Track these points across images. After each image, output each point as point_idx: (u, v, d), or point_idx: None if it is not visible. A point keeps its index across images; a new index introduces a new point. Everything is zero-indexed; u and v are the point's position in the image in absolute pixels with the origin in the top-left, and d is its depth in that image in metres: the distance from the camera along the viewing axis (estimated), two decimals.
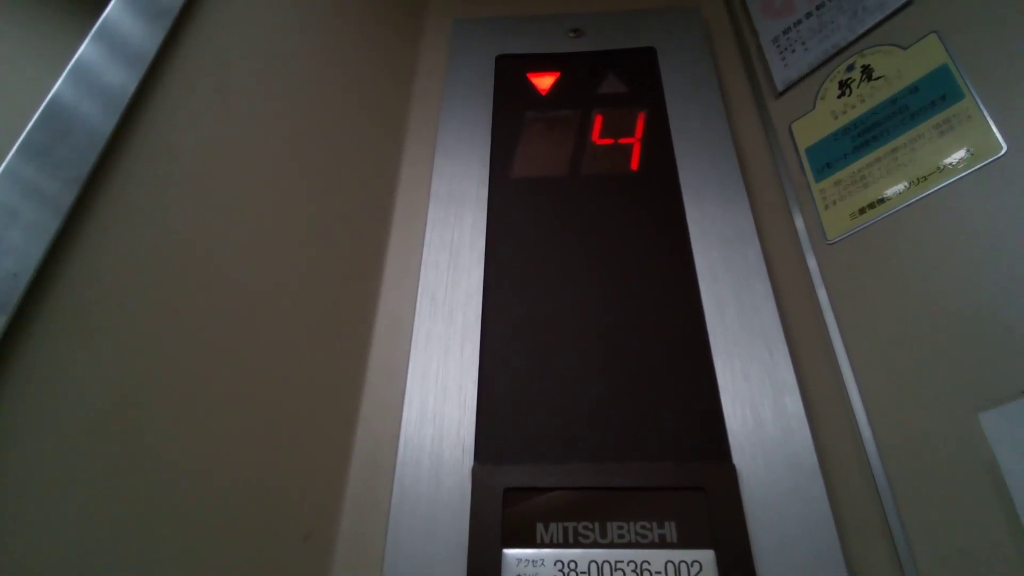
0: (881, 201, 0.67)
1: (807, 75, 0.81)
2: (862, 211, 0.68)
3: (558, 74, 0.91)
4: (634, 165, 0.80)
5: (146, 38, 0.62)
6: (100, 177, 0.54)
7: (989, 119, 0.61)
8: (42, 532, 0.41)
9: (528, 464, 0.59)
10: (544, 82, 0.91)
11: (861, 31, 0.77)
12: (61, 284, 0.48)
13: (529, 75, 0.92)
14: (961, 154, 0.62)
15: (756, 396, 0.61)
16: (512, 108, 0.88)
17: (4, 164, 0.49)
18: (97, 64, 0.58)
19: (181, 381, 0.52)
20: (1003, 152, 0.59)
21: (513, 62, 0.93)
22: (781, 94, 0.84)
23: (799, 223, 0.74)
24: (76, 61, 0.57)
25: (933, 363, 0.58)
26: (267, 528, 0.55)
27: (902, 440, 0.58)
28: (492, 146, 0.84)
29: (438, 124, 0.87)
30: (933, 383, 0.58)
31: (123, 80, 0.59)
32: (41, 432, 0.43)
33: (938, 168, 0.64)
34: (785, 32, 0.86)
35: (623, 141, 0.83)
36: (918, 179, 0.65)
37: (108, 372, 0.48)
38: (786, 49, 0.85)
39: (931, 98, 0.67)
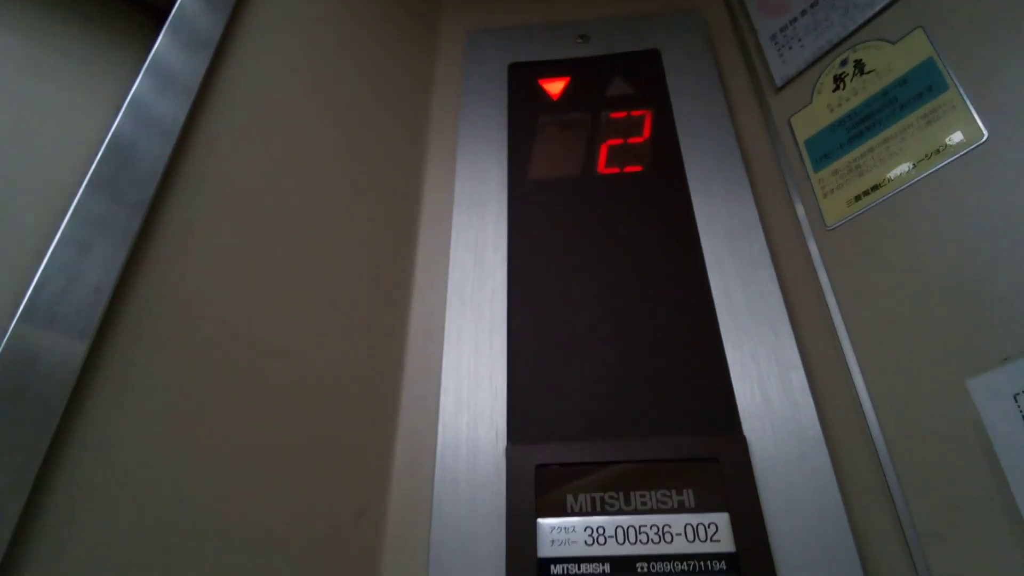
0: (875, 188, 0.72)
1: (804, 70, 0.86)
2: (858, 198, 0.73)
3: (568, 79, 0.97)
4: (643, 163, 0.85)
5: (191, 70, 0.68)
6: (160, 202, 0.61)
7: (972, 108, 0.66)
8: (126, 510, 0.48)
9: (556, 442, 0.65)
10: (555, 87, 0.96)
11: (853, 27, 0.81)
12: (134, 298, 0.55)
13: (540, 81, 0.97)
14: (947, 142, 0.67)
15: (764, 374, 0.66)
16: (526, 113, 0.93)
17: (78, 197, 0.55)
18: (150, 98, 0.63)
19: (243, 380, 0.58)
20: (985, 139, 0.64)
21: (525, 69, 0.98)
22: (780, 89, 0.89)
23: (800, 211, 0.79)
24: (132, 96, 0.63)
25: (926, 336, 0.63)
26: (325, 508, 0.61)
27: (899, 407, 0.63)
28: (509, 150, 0.89)
29: (457, 131, 0.93)
30: (926, 354, 0.63)
31: (174, 111, 0.65)
32: (125, 416, 0.50)
33: (926, 155, 0.68)
34: (782, 30, 0.91)
35: (632, 141, 0.88)
36: (907, 167, 0.70)
37: (178, 373, 0.54)
38: (784, 46, 0.90)
39: (918, 90, 0.72)
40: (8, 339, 0.46)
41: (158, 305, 0.56)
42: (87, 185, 0.56)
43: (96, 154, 0.63)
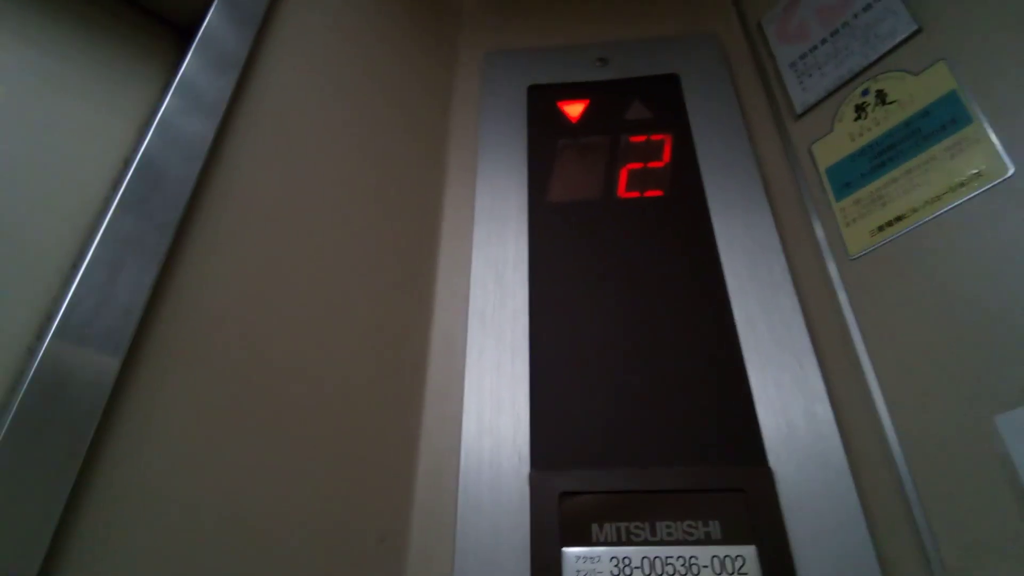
0: (899, 219, 0.72)
1: (824, 98, 0.87)
2: (881, 228, 0.73)
3: (587, 102, 0.97)
4: (664, 188, 0.86)
5: (218, 90, 0.68)
6: (187, 222, 0.60)
7: (996, 143, 0.66)
8: (154, 529, 0.47)
9: (580, 469, 0.65)
10: (574, 110, 0.96)
11: (874, 57, 0.82)
12: (163, 318, 0.55)
13: (559, 103, 0.98)
14: (971, 175, 0.67)
15: (788, 404, 0.66)
16: (545, 135, 0.94)
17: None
18: (178, 117, 0.63)
19: (266, 400, 0.58)
20: (1011, 173, 0.64)
21: (544, 91, 0.99)
22: (800, 116, 0.89)
23: (822, 240, 0.79)
24: (161, 116, 0.62)
25: (952, 370, 0.63)
26: (347, 532, 0.61)
27: (925, 441, 0.63)
28: (529, 171, 0.90)
29: (477, 150, 0.94)
30: (952, 388, 0.63)
31: (202, 130, 0.65)
32: (153, 437, 0.49)
33: (951, 188, 0.69)
34: (802, 57, 0.92)
35: (652, 165, 0.88)
36: (932, 198, 0.70)
37: (204, 393, 0.54)
38: (803, 73, 0.91)
39: (941, 122, 0.72)
40: (42, 358, 0.46)
41: (185, 326, 0.56)
42: (117, 205, 0.56)
43: (121, 172, 0.64)
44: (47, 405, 0.45)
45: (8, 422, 0.43)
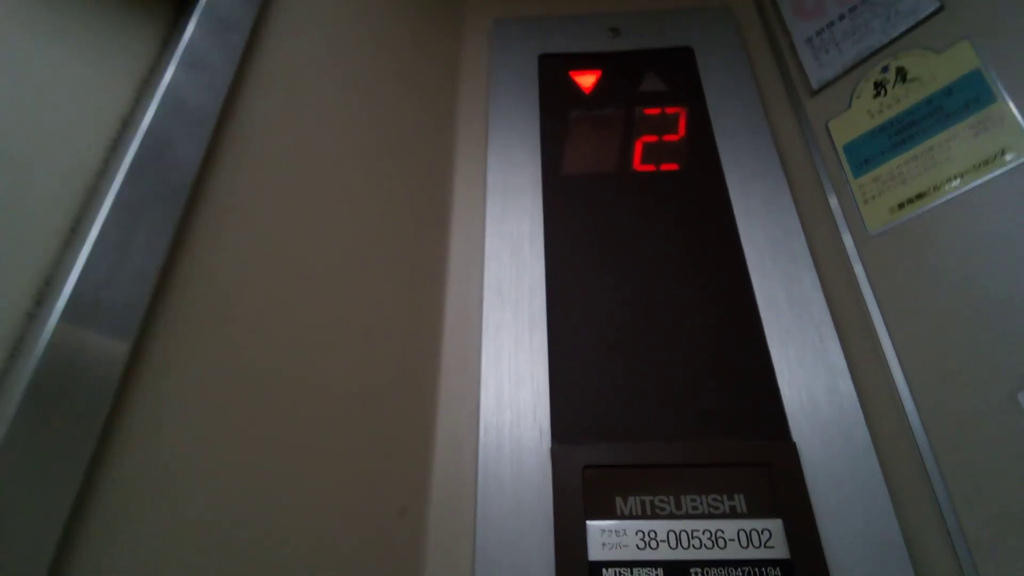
0: (920, 196, 0.72)
1: (842, 75, 0.86)
2: (901, 206, 0.73)
3: (599, 73, 0.95)
4: (680, 162, 0.85)
5: (226, 53, 0.65)
6: (200, 184, 0.58)
7: (1021, 121, 0.66)
8: (172, 513, 0.45)
9: (603, 443, 0.64)
10: (586, 80, 0.95)
11: (895, 34, 0.81)
12: (175, 291, 0.52)
13: (571, 73, 0.96)
14: (995, 154, 0.67)
15: (811, 379, 0.66)
16: (558, 106, 0.92)
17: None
18: (184, 88, 0.60)
19: (282, 374, 0.56)
20: None
21: (555, 61, 0.97)
22: (816, 93, 0.88)
23: (839, 217, 0.79)
24: (167, 87, 0.59)
25: (972, 347, 0.64)
26: (369, 505, 0.60)
27: (946, 417, 0.64)
28: (542, 142, 0.88)
29: (487, 120, 0.91)
30: (973, 365, 0.63)
31: (209, 99, 0.62)
32: (168, 416, 0.47)
33: (974, 166, 0.69)
34: (818, 33, 0.91)
35: (667, 138, 0.87)
36: (955, 177, 0.70)
37: (220, 369, 0.52)
38: (820, 49, 0.90)
39: (965, 101, 0.72)
40: (54, 330, 0.44)
41: (201, 294, 0.53)
42: (130, 166, 0.53)
43: (119, 131, 0.61)
44: (59, 381, 0.42)
45: (20, 397, 0.41)
